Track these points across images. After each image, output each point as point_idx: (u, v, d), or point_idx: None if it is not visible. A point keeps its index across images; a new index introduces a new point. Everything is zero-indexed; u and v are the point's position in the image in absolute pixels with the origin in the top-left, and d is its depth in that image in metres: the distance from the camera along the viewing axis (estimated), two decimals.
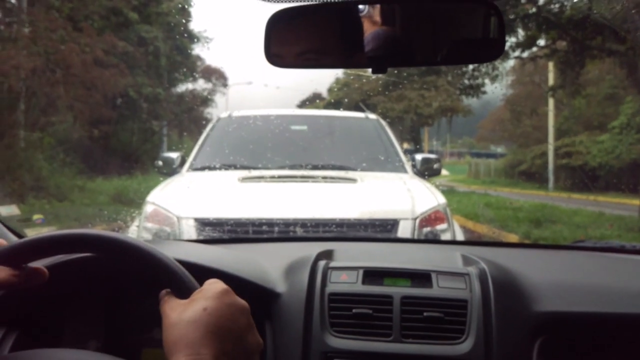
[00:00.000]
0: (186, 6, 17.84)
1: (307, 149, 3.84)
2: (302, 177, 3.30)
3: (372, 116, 4.34)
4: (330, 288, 1.23)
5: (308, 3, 1.02)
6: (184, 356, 0.64)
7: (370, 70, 1.01)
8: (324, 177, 3.27)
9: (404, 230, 2.67)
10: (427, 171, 3.73)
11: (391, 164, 3.67)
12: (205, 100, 17.81)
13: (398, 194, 3.10)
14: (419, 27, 1.03)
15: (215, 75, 22.26)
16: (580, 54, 8.02)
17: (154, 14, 15.84)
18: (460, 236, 3.16)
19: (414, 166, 3.71)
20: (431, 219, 2.82)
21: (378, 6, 1.01)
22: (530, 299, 1.24)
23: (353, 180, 3.23)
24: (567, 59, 8.37)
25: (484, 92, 18.82)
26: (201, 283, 0.85)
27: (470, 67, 12.85)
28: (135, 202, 11.49)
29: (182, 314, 0.68)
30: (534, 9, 7.96)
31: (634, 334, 1.22)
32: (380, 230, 2.70)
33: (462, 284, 1.24)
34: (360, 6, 1.00)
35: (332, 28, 1.04)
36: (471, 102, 21.95)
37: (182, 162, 3.72)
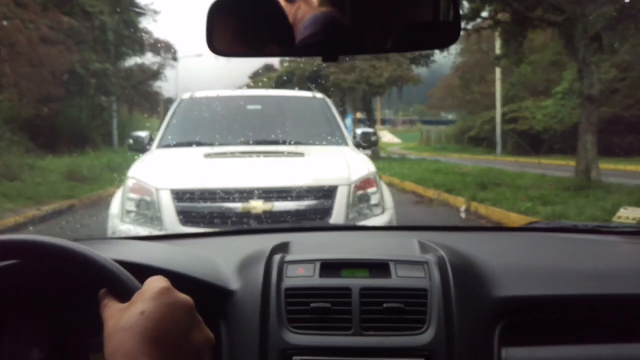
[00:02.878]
0: None
1: (261, 126, 4.24)
2: (258, 152, 3.73)
3: (319, 95, 4.69)
4: (287, 283, 1.21)
5: None
6: None
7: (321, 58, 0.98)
8: (276, 152, 3.75)
9: (342, 194, 3.19)
10: (366, 143, 4.19)
11: (334, 139, 4.12)
12: (156, 75, 17.58)
13: (338, 165, 3.60)
14: (369, 13, 0.99)
15: (164, 49, 21.88)
16: (521, 25, 8.43)
17: None
18: (388, 198, 3.60)
19: (355, 138, 4.15)
20: (363, 184, 3.34)
21: None
22: (489, 285, 1.24)
23: (301, 154, 3.69)
24: (509, 30, 8.78)
25: (434, 62, 19.28)
26: None
27: None
28: (89, 179, 11.44)
29: (120, 321, 0.65)
30: None
31: (591, 316, 1.23)
32: (323, 195, 3.18)
33: (422, 272, 1.23)
34: None
35: (277, 15, 0.98)
36: (421, 71, 22.44)
37: (151, 140, 3.98)
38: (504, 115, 22.31)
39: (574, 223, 1.74)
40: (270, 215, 3.06)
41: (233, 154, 3.69)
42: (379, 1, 0.98)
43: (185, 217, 3.06)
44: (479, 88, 27.06)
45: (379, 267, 1.23)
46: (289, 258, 1.26)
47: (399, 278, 1.20)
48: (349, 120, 21.93)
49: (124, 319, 0.64)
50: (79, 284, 1.06)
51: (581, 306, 1.21)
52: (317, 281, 1.19)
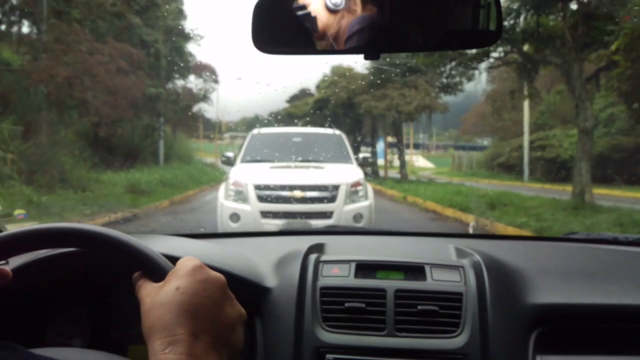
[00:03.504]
0: (182, 8, 19.42)
1: (300, 151, 6.77)
2: (298, 166, 6.37)
3: (337, 132, 7.39)
4: (322, 282, 1.24)
5: None
6: (160, 339, 0.64)
7: (362, 56, 1.00)
8: (308, 166, 6.30)
9: (342, 189, 5.60)
10: (365, 163, 7.22)
11: (343, 159, 6.68)
12: (203, 98, 19.35)
13: (342, 173, 6.00)
14: (413, 12, 1.01)
15: (206, 71, 23.79)
16: (529, 64, 9.81)
17: (154, 17, 17.42)
18: (370, 194, 5.96)
19: (357, 159, 6.79)
20: (355, 184, 5.77)
21: None
22: (525, 291, 1.24)
23: (322, 167, 6.30)
24: (519, 68, 10.17)
25: (461, 90, 20.65)
26: None
27: (448, 66, 14.52)
28: (146, 192, 13.14)
29: (156, 298, 0.68)
30: None
31: (628, 325, 1.22)
32: (332, 189, 5.61)
33: (457, 276, 1.24)
34: None
35: (320, 14, 1.00)
36: (454, 97, 23.80)
37: (235, 158, 6.02)
38: (531, 142, 23.39)
39: (614, 235, 1.73)
40: (303, 199, 5.48)
41: (284, 167, 6.26)
42: (420, 2, 1.00)
43: (260, 198, 5.41)
44: (509, 115, 28.13)
45: (414, 270, 1.26)
46: (324, 258, 1.31)
47: (434, 281, 1.22)
48: (381, 144, 23.43)
49: (159, 295, 0.68)
50: (122, 276, 1.10)
51: (619, 316, 1.21)
52: (352, 281, 1.23)
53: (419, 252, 1.44)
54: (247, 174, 5.70)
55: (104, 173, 14.42)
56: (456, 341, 1.14)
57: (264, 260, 1.36)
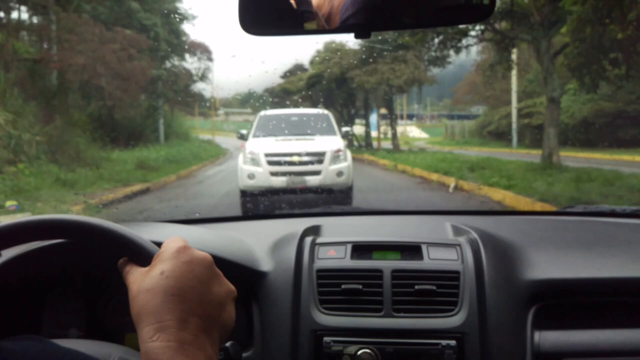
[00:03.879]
0: None
1: (297, 127, 8.75)
2: (296, 138, 8.27)
3: (325, 111, 9.72)
4: (318, 264, 1.28)
5: None
6: (147, 326, 0.63)
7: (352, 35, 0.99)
8: (303, 138, 8.28)
9: (328, 154, 7.58)
10: (346, 135, 9.39)
11: (329, 132, 8.63)
12: (202, 78, 20.34)
13: (327, 143, 7.93)
14: None
15: (200, 50, 24.66)
16: (504, 40, 10.90)
17: (151, 1, 18.34)
18: (349, 157, 7.84)
19: (341, 132, 8.65)
20: (337, 151, 7.74)
21: None
22: (523, 268, 1.28)
23: (312, 139, 8.29)
24: (496, 44, 11.25)
25: (450, 63, 21.67)
26: None
27: (436, 40, 15.51)
28: (154, 168, 14.26)
29: (142, 284, 0.67)
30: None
31: (626, 298, 1.25)
32: (320, 154, 7.56)
33: (454, 254, 1.28)
34: None
35: None
36: (445, 68, 24.86)
37: (247, 135, 7.36)
38: (519, 110, 24.46)
39: (611, 207, 1.77)
40: (300, 162, 7.43)
41: (285, 139, 8.23)
42: None
43: (269, 162, 7.30)
44: (499, 84, 29.10)
45: (411, 249, 1.31)
46: (320, 240, 1.36)
47: (431, 260, 1.27)
48: (374, 116, 24.49)
49: (145, 281, 0.67)
50: (113, 264, 1.10)
51: (616, 289, 1.25)
52: (348, 263, 1.28)
53: (415, 231, 1.48)
54: (258, 145, 7.74)
55: (112, 152, 15.55)
56: (454, 320, 1.17)
57: (260, 244, 1.39)
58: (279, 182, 7.34)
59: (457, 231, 1.44)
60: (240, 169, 7.57)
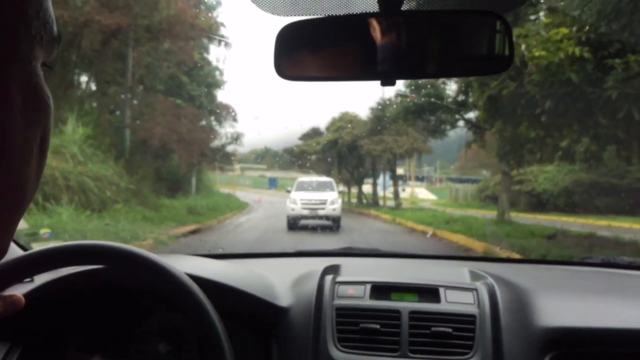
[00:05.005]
0: (218, 66, 25.04)
1: (315, 186, 16.23)
2: (314, 192, 15.49)
3: (329, 179, 17.41)
4: (338, 302, 1.35)
5: (316, 16, 1.08)
6: None
7: (379, 83, 1.09)
8: (318, 192, 15.34)
9: (330, 201, 14.92)
10: (339, 190, 15.36)
11: (331, 189, 16.22)
12: (237, 140, 24.85)
13: (329, 195, 15.37)
14: (427, 40, 1.08)
15: (226, 111, 29.21)
16: (473, 126, 15.24)
17: (198, 75, 23.13)
18: (339, 202, 14.16)
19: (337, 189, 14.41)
20: (334, 199, 15.14)
21: (385, 19, 1.06)
22: (539, 315, 1.32)
23: (322, 192, 15.51)
24: (470, 129, 15.60)
25: (447, 136, 26.15)
26: (209, 296, 1.01)
27: (432, 117, 19.77)
28: (201, 213, 18.48)
29: None
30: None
31: None
32: (324, 200, 14.89)
33: (471, 298, 1.35)
34: (368, 19, 1.05)
35: (340, 41, 1.09)
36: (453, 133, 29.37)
37: (291, 190, 12.26)
38: (512, 177, 28.59)
39: (629, 260, 1.89)
40: (315, 202, 14.37)
41: (309, 191, 14.47)
42: (435, 31, 1.08)
43: (302, 202, 13.93)
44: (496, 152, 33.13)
45: (429, 292, 1.38)
46: (340, 278, 1.45)
47: (448, 303, 1.34)
48: (387, 177, 28.76)
49: None
50: (142, 294, 1.25)
51: (632, 341, 1.29)
52: (367, 302, 1.36)
53: (433, 275, 1.53)
54: (297, 195, 14.84)
55: (161, 199, 19.91)
56: None
57: (281, 281, 1.48)
58: (305, 211, 14.50)
59: (474, 276, 1.50)
60: (288, 205, 14.73)
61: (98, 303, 1.39)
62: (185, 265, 1.38)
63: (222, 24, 20.62)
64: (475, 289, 1.39)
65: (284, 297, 1.42)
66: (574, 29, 6.77)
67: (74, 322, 1.39)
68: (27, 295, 0.97)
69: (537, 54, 6.69)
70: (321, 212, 14.40)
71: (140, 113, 15.51)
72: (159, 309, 1.35)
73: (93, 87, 16.53)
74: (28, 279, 1.33)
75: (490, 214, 24.99)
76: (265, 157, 43.60)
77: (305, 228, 14.16)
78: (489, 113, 9.46)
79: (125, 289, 1.33)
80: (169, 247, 10.99)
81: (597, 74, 6.59)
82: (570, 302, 1.44)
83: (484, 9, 1.09)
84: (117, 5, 14.83)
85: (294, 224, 14.25)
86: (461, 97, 14.72)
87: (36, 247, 1.04)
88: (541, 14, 8.27)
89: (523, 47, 6.93)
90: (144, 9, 15.84)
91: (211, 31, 18.63)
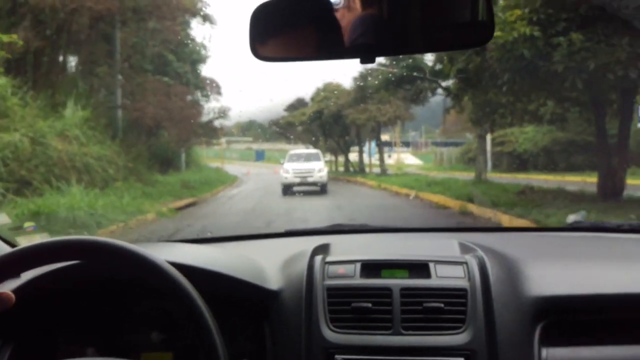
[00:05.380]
0: (204, 43, 25.65)
1: (304, 157, 18.95)
2: (304, 162, 18.22)
3: (317, 150, 21.05)
4: (328, 282, 1.37)
5: None
6: None
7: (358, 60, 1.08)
8: (307, 162, 18.11)
9: (317, 169, 17.87)
10: (326, 160, 17.24)
11: (318, 159, 19.01)
12: (223, 114, 25.73)
13: (317, 164, 18.26)
14: (406, 15, 1.07)
15: (211, 86, 29.89)
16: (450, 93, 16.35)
17: (183, 52, 23.85)
18: (325, 170, 16.42)
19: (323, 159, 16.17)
20: (321, 167, 18.35)
21: None
22: (529, 284, 1.36)
23: (311, 162, 18.40)
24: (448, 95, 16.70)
25: (429, 101, 27.23)
26: (196, 285, 1.03)
27: (412, 87, 20.73)
28: (195, 187, 19.51)
29: None
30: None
31: (631, 314, 1.33)
32: (312, 169, 17.77)
33: (461, 272, 1.37)
34: None
35: (317, 19, 1.07)
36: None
37: (284, 161, 13.67)
38: (493, 139, 29.76)
39: (617, 222, 1.92)
40: (305, 171, 16.90)
41: (299, 162, 16.65)
42: (415, 4, 1.08)
43: (294, 171, 16.32)
44: None
45: (419, 267, 1.40)
46: (329, 258, 1.46)
47: (439, 278, 1.37)
48: (373, 144, 29.86)
49: None
50: (130, 284, 1.27)
51: (623, 305, 1.33)
52: (358, 281, 1.38)
53: (422, 249, 1.58)
54: (288, 165, 17.52)
55: (155, 175, 20.92)
56: (462, 337, 1.27)
57: (270, 263, 1.51)
58: (297, 179, 16.88)
59: (464, 248, 1.53)
60: (281, 174, 17.34)
61: (87, 296, 1.40)
62: (173, 253, 1.41)
63: (207, 4, 21.28)
64: (466, 262, 1.41)
65: (274, 280, 1.44)
66: (526, 10, 7.87)
67: (63, 317, 1.41)
68: (15, 292, 1.03)
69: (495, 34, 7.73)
70: (310, 179, 16.94)
71: (132, 93, 16.40)
72: (148, 298, 1.36)
73: (83, 70, 17.35)
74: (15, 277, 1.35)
75: (472, 175, 26.32)
76: (250, 129, 44.33)
77: (296, 195, 16.53)
78: (460, 84, 10.51)
79: (112, 280, 1.34)
80: (172, 219, 12.07)
81: (546, 49, 7.68)
82: (559, 270, 1.46)
83: None
84: None
85: (287, 191, 16.60)
86: (438, 66, 15.71)
87: (21, 240, 1.00)
88: None
89: None
90: None
91: (196, 10, 19.36)
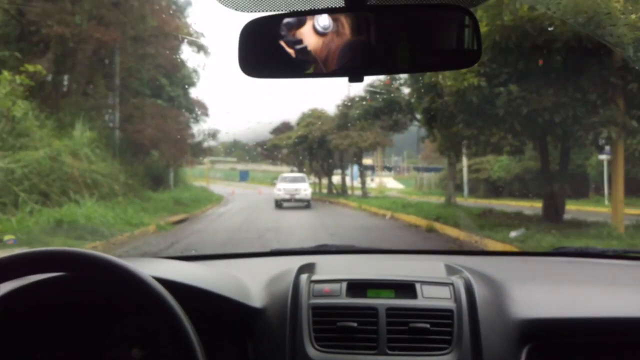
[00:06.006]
0: (196, 69, 27.47)
1: (292, 179, 23.48)
2: (292, 183, 22.70)
3: (302, 174, 26.04)
4: (314, 301, 1.37)
5: (282, 12, 1.09)
6: None
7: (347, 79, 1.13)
8: (295, 183, 22.58)
9: (304, 190, 22.61)
10: (310, 182, 20.75)
11: (303, 182, 23.60)
12: (212, 136, 27.54)
13: (303, 185, 22.89)
14: (394, 35, 1.11)
15: (198, 106, 31.66)
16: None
17: (176, 77, 25.72)
18: (309, 190, 20.10)
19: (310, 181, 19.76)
20: (306, 188, 22.95)
21: (353, 15, 1.09)
22: (515, 307, 1.38)
23: (298, 183, 22.88)
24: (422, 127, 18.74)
25: (406, 130, 29.37)
26: (180, 301, 1.02)
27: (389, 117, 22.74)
28: (186, 204, 21.23)
29: None
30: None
31: (615, 338, 1.36)
32: (298, 189, 22.42)
33: (447, 293, 1.39)
34: (334, 15, 1.07)
35: (306, 37, 1.09)
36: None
37: (277, 182, 16.12)
38: (470, 166, 31.85)
39: (601, 248, 2.01)
40: (293, 190, 21.13)
41: (288, 182, 20.53)
42: (403, 29, 1.11)
43: (284, 190, 20.17)
44: None
45: (405, 288, 1.42)
46: (315, 277, 1.47)
47: (425, 298, 1.38)
48: (355, 168, 31.83)
49: None
50: (112, 301, 1.24)
51: (609, 329, 1.36)
52: (344, 300, 1.39)
53: (409, 270, 1.56)
54: (281, 185, 22.13)
55: (147, 192, 22.63)
56: (448, 358, 1.27)
57: (255, 281, 1.52)
58: (287, 196, 21.09)
59: (450, 270, 1.54)
60: (275, 192, 21.73)
61: (65, 311, 1.39)
62: (157, 268, 1.41)
63: (202, 34, 23.18)
64: (452, 284, 1.42)
65: (258, 298, 1.45)
66: (475, 64, 9.71)
67: (40, 333, 1.39)
68: None
69: (449, 83, 9.81)
70: (297, 196, 21.67)
71: (131, 115, 18.23)
72: (129, 313, 1.36)
73: (84, 92, 19.17)
74: None
75: (456, 200, 28.35)
76: (234, 149, 45.89)
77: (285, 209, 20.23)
78: (426, 119, 12.56)
79: (94, 296, 1.33)
80: (170, 231, 13.77)
81: (491, 96, 9.72)
82: (545, 294, 1.50)
83: (452, 3, 1.15)
84: (110, 20, 17.49)
85: (280, 204, 21.38)
86: (413, 100, 17.74)
87: (1, 254, 1.04)
88: None
89: (440, 77, 10.07)
90: (132, 22, 18.57)
91: (191, 40, 21.30)
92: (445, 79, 9.92)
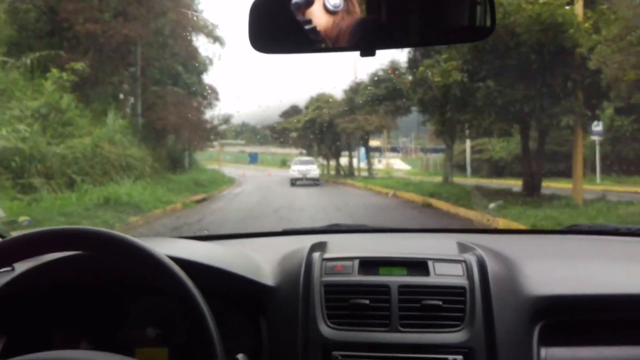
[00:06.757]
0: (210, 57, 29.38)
1: (304, 162, 27.71)
2: (304, 165, 26.96)
3: (311, 157, 30.08)
4: (326, 279, 1.40)
5: None
6: None
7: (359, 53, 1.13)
8: (306, 165, 26.89)
9: (311, 169, 27.35)
10: (319, 164, 24.25)
11: (313, 164, 28.19)
12: (226, 121, 29.67)
13: (312, 166, 27.45)
14: (407, 9, 1.12)
15: (209, 91, 33.56)
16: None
17: (192, 65, 27.70)
18: (317, 170, 23.64)
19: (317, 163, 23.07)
20: (315, 169, 27.37)
21: None
22: (528, 284, 1.40)
23: (308, 165, 27.21)
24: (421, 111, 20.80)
25: (411, 112, 31.35)
26: (194, 279, 1.06)
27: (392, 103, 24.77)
28: (205, 185, 23.38)
29: None
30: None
31: (630, 314, 1.37)
32: (309, 170, 27.10)
33: (460, 270, 1.41)
34: None
35: (316, 16, 1.10)
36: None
37: (291, 164, 19.60)
38: (472, 147, 33.78)
39: (615, 225, 1.99)
40: (304, 170, 25.12)
41: (301, 164, 23.99)
42: (414, 5, 1.13)
43: (297, 170, 23.86)
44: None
45: (417, 265, 1.44)
46: (327, 255, 1.50)
47: (437, 276, 1.40)
48: (362, 150, 33.85)
49: None
50: (126, 279, 1.28)
51: (621, 306, 1.37)
52: (356, 278, 1.41)
53: (421, 248, 1.60)
54: (294, 167, 26.75)
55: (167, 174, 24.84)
56: (460, 335, 1.30)
57: (267, 259, 1.56)
58: (300, 175, 25.39)
59: (463, 248, 1.57)
60: (290, 172, 26.36)
61: (81, 290, 1.44)
62: (170, 247, 1.44)
63: (217, 25, 25.19)
64: (464, 261, 1.44)
65: (271, 276, 1.48)
66: (460, 62, 12.00)
67: (58, 310, 1.44)
68: (8, 284, 1.12)
69: (437, 79, 12.02)
70: (308, 175, 25.68)
71: (153, 104, 20.46)
72: (144, 292, 1.41)
73: (112, 83, 21.36)
74: (8, 268, 1.40)
75: (460, 180, 30.00)
76: (243, 132, 47.35)
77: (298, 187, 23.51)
78: (421, 109, 14.79)
79: (108, 274, 1.38)
80: (194, 209, 15.90)
81: (472, 90, 11.90)
82: (558, 270, 1.51)
83: None
84: (134, 16, 19.57)
85: (294, 182, 25.15)
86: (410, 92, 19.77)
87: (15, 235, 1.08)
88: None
89: (430, 74, 12.29)
90: (154, 17, 20.71)
91: (208, 31, 23.40)
92: (434, 75, 12.13)
